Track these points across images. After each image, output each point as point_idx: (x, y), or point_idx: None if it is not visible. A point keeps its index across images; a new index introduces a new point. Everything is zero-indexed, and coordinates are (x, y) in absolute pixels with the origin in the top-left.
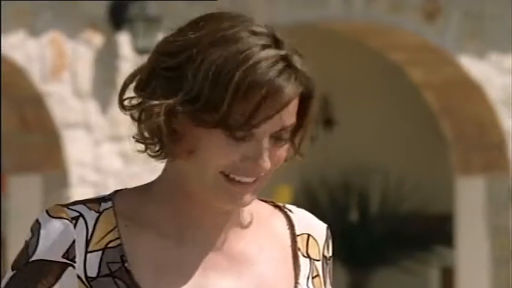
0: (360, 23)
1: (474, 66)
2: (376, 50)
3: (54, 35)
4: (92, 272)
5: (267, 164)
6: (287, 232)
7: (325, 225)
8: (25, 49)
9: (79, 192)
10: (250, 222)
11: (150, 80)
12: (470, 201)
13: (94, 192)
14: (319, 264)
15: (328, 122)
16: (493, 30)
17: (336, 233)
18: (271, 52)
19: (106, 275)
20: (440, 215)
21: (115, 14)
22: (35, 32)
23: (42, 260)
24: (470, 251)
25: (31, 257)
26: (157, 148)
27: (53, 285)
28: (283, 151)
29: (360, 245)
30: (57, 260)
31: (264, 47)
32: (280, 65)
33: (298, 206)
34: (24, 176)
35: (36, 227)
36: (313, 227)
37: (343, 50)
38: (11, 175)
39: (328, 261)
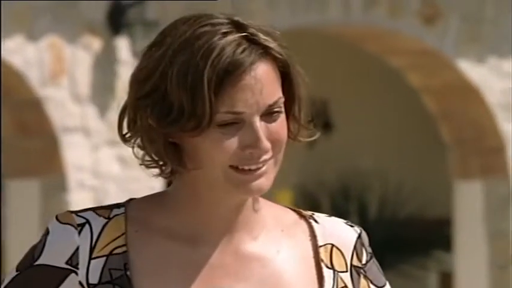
0: (358, 27)
1: (473, 71)
2: (375, 54)
3: (52, 39)
4: (94, 279)
5: (265, 144)
6: (309, 243)
7: (356, 233)
8: (23, 53)
9: (78, 196)
10: (271, 227)
11: (137, 112)
12: (469, 205)
13: (93, 197)
14: (345, 276)
15: (326, 126)
16: (492, 35)
17: None
18: (232, 37)
19: (107, 282)
20: (439, 219)
21: (113, 18)
22: (33, 36)
23: (46, 265)
24: (469, 256)
25: (36, 260)
26: (168, 169)
27: None
28: (279, 126)
29: None
30: (60, 266)
31: (225, 34)
32: (243, 46)
33: None
34: (23, 181)
35: (45, 232)
36: (339, 236)
37: (342, 54)
38: (9, 180)
39: (361, 271)
